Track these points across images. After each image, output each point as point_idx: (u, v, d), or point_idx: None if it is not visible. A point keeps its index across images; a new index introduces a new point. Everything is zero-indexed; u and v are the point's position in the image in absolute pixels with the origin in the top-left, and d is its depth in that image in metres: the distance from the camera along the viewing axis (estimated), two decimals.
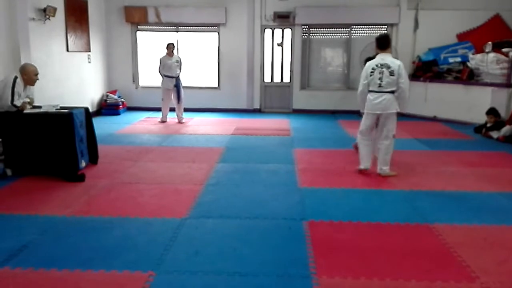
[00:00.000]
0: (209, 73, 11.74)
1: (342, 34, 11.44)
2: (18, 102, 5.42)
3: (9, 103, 5.34)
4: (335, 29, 11.42)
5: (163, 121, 9.82)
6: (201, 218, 4.22)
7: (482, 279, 3.08)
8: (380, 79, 5.34)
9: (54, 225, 4.01)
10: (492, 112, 8.50)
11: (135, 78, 11.72)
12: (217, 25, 11.32)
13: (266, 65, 11.61)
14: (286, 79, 11.67)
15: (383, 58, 5.41)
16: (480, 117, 8.77)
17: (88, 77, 10.31)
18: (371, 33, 11.11)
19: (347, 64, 11.52)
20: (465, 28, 10.74)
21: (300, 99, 11.59)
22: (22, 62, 6.70)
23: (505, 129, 7.92)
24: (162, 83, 9.70)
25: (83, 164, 5.75)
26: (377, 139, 5.70)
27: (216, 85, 11.73)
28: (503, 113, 8.59)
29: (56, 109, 5.65)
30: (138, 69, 11.75)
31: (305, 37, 11.42)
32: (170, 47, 9.59)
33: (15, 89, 5.39)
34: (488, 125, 8.45)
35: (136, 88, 11.73)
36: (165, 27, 11.45)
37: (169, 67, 9.52)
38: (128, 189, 5.05)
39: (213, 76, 11.72)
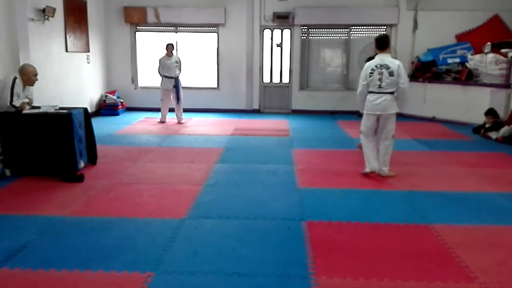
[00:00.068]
0: (208, 73, 11.75)
1: (341, 35, 11.45)
2: (17, 103, 5.42)
3: (8, 103, 5.34)
4: (334, 29, 11.43)
5: (162, 122, 9.82)
6: (200, 218, 4.22)
7: (481, 279, 3.08)
8: (380, 80, 5.32)
9: (53, 225, 4.00)
10: (490, 112, 8.50)
11: (134, 79, 11.72)
12: (216, 25, 11.32)
13: (265, 65, 11.62)
14: (285, 79, 11.68)
15: (383, 58, 5.39)
16: (479, 118, 8.78)
17: (87, 78, 10.30)
18: (370, 33, 11.13)
19: (346, 64, 11.53)
20: (464, 29, 10.77)
21: (299, 100, 11.60)
22: (21, 63, 6.70)
23: (504, 130, 7.93)
24: (161, 84, 9.70)
25: (82, 164, 5.75)
26: (377, 139, 5.68)
27: (215, 86, 11.73)
28: (501, 113, 8.60)
29: (55, 110, 5.65)
30: (137, 69, 11.75)
31: (304, 37, 11.43)
32: (170, 47, 9.59)
33: (14, 90, 5.40)
34: (487, 125, 8.45)
35: (135, 88, 11.73)
36: (164, 27, 11.45)
37: (168, 67, 9.52)
38: (127, 190, 5.05)
39: (212, 77, 11.72)
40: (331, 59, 11.83)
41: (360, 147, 6.00)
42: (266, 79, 11.69)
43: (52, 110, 5.61)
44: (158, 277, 3.09)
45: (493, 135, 8.14)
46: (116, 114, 10.81)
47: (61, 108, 5.77)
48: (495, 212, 4.45)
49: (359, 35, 11.33)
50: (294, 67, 11.48)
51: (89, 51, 10.27)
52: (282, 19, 11.08)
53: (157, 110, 10.15)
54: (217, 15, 11.11)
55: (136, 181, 5.38)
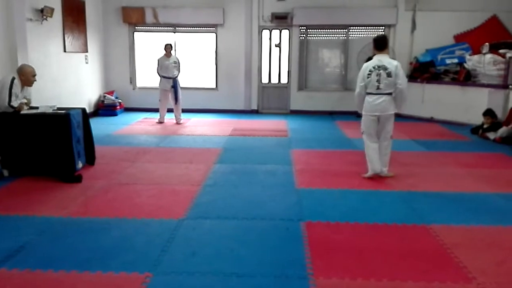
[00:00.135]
0: (207, 74, 11.74)
1: (340, 35, 11.45)
2: (15, 103, 5.41)
3: (6, 104, 5.33)
4: (333, 30, 11.43)
5: (160, 122, 9.81)
6: (198, 219, 4.21)
7: (479, 280, 3.09)
8: (378, 81, 5.30)
9: (51, 226, 4.00)
10: (488, 113, 8.52)
11: (132, 79, 11.71)
12: (215, 25, 11.32)
13: (263, 66, 11.62)
14: (284, 80, 11.68)
15: (380, 59, 5.37)
16: (477, 118, 8.80)
17: (85, 78, 10.29)
18: (368, 34, 11.13)
19: (345, 65, 11.53)
20: (462, 29, 10.78)
21: (298, 100, 11.60)
22: (19, 63, 6.71)
23: (502, 130, 7.94)
24: (159, 84, 9.70)
25: (80, 165, 5.74)
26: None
27: (214, 86, 11.73)
28: (499, 114, 8.61)
29: (53, 110, 5.64)
30: (136, 70, 11.74)
31: (303, 38, 11.43)
32: (168, 47, 9.58)
33: (13, 90, 5.38)
34: (485, 126, 8.47)
35: (133, 89, 11.72)
36: (162, 27, 11.45)
37: (166, 67, 9.51)
38: (125, 190, 5.05)
39: (211, 77, 11.72)
40: (330, 59, 11.83)
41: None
42: (265, 80, 11.69)
43: (50, 111, 5.60)
44: (156, 278, 3.08)
45: (491, 135, 8.15)
46: (114, 114, 10.80)
47: (59, 109, 5.76)
48: (493, 213, 4.46)
49: (358, 35, 11.33)
50: (293, 67, 11.48)
51: (87, 52, 10.26)
52: (281, 20, 11.08)
53: (156, 110, 10.14)
54: (216, 15, 11.10)
55: (134, 182, 5.37)
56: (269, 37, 11.48)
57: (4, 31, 7.05)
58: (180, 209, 4.44)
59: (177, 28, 11.44)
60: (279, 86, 11.71)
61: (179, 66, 9.70)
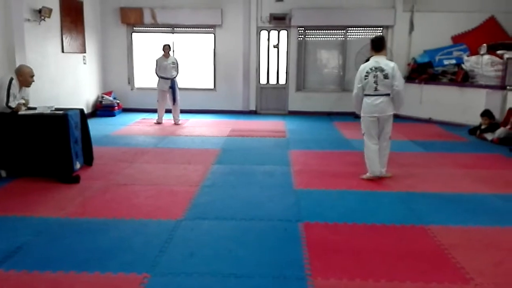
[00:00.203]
0: (205, 74, 11.74)
1: (338, 36, 11.47)
2: (13, 104, 5.40)
3: (4, 104, 5.32)
4: (331, 31, 11.45)
5: (158, 123, 9.81)
6: (196, 219, 4.21)
7: (477, 281, 3.09)
8: (375, 82, 5.29)
9: (48, 226, 3.99)
10: (486, 114, 8.53)
11: (130, 80, 11.70)
12: (213, 26, 11.32)
13: (262, 66, 11.62)
14: (282, 80, 11.68)
15: (377, 60, 5.36)
16: (475, 119, 8.81)
17: (84, 79, 10.28)
18: (366, 35, 11.14)
19: (343, 66, 11.54)
20: (460, 30, 10.80)
21: (296, 101, 11.61)
22: (17, 63, 6.70)
23: (500, 131, 7.95)
24: (157, 85, 9.70)
25: (78, 165, 5.73)
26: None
27: (212, 87, 11.73)
28: (497, 115, 8.63)
29: (51, 111, 5.63)
30: (134, 70, 11.74)
31: (301, 39, 11.44)
32: (166, 48, 9.58)
33: (11, 91, 5.38)
34: (483, 127, 8.48)
35: (131, 89, 11.72)
36: (161, 28, 11.44)
37: (165, 68, 9.51)
38: (123, 191, 5.04)
39: (209, 78, 11.71)
40: (328, 60, 11.84)
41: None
42: (263, 80, 11.69)
43: (48, 111, 5.60)
44: (154, 279, 3.08)
45: (489, 136, 8.17)
46: (113, 115, 10.79)
47: (57, 109, 5.75)
48: (491, 214, 4.46)
49: (356, 36, 11.35)
50: (291, 68, 11.49)
51: (85, 52, 10.25)
52: (279, 21, 11.09)
53: (154, 111, 10.13)
54: (214, 16, 11.10)
55: (132, 182, 5.36)
56: (267, 38, 11.49)
57: (2, 32, 7.04)
58: (178, 209, 4.44)
59: (175, 28, 11.44)
60: (277, 87, 11.71)
61: (177, 66, 9.70)
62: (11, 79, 5.43)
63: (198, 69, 11.75)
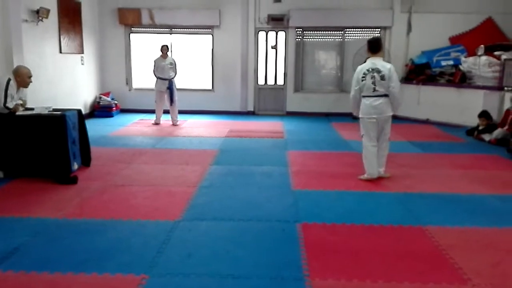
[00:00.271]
0: (203, 75, 11.74)
1: (336, 37, 11.49)
2: (10, 104, 5.39)
3: (2, 105, 5.31)
4: (329, 32, 11.47)
5: (156, 123, 9.80)
6: (194, 220, 4.21)
7: (474, 281, 3.10)
8: (373, 83, 5.28)
9: (46, 227, 3.98)
10: (484, 115, 8.55)
11: (128, 80, 11.70)
12: (211, 27, 11.32)
13: (260, 67, 11.63)
14: (280, 81, 11.69)
15: (374, 62, 5.36)
16: (472, 120, 8.83)
17: (81, 79, 10.27)
18: (364, 36, 11.16)
19: (341, 66, 11.56)
20: (457, 31, 10.83)
21: (294, 102, 11.62)
22: (15, 64, 6.69)
23: (497, 132, 7.97)
24: (155, 85, 9.69)
25: (76, 166, 5.72)
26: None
27: (210, 87, 11.73)
28: (495, 116, 8.65)
29: (48, 111, 5.62)
30: (132, 71, 11.73)
31: (299, 39, 11.46)
32: (164, 49, 9.58)
33: (8, 91, 5.37)
34: (480, 127, 8.50)
35: (129, 90, 11.71)
36: (159, 29, 11.44)
37: (162, 69, 9.51)
38: (121, 191, 5.03)
39: (207, 78, 11.71)
40: (326, 61, 11.87)
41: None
42: (261, 81, 11.70)
43: (46, 112, 5.58)
44: (152, 279, 3.07)
45: (487, 137, 8.18)
46: (110, 115, 10.78)
47: (54, 110, 5.74)
48: (489, 214, 4.47)
49: (353, 37, 11.38)
50: (289, 69, 11.50)
51: (83, 53, 10.24)
52: (277, 21, 11.10)
53: (152, 111, 10.13)
54: (212, 17, 11.11)
55: (130, 183, 5.36)
56: (265, 38, 11.50)
57: None
58: (176, 210, 4.44)
59: (173, 29, 11.44)
60: (275, 88, 11.72)
61: (175, 67, 9.70)
62: (9, 80, 5.42)
63: (196, 70, 11.75)
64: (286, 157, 6.85)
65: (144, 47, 11.57)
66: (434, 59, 10.52)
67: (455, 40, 10.78)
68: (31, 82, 5.73)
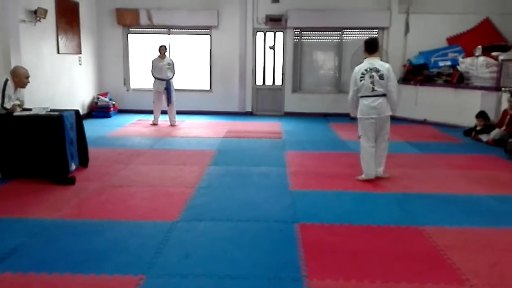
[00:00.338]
0: (201, 75, 11.74)
1: (334, 38, 11.50)
2: (8, 105, 5.38)
3: None
4: (327, 32, 11.48)
5: (154, 124, 9.79)
6: (192, 221, 4.21)
7: (472, 282, 3.10)
8: (372, 83, 5.28)
9: (44, 228, 3.97)
10: (481, 115, 8.57)
11: (126, 81, 11.68)
12: (209, 27, 11.32)
13: (258, 68, 11.64)
14: (278, 82, 11.70)
15: (372, 62, 5.36)
16: (470, 120, 8.85)
17: (79, 80, 10.25)
18: (362, 36, 11.18)
19: (339, 67, 11.58)
20: (455, 32, 10.85)
21: (292, 102, 11.62)
22: (13, 64, 6.67)
23: (495, 132, 7.99)
24: (153, 86, 9.68)
25: (74, 167, 5.71)
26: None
27: (208, 88, 11.73)
28: (492, 116, 8.67)
29: (46, 112, 5.60)
30: (130, 71, 11.72)
31: (297, 40, 11.46)
32: (162, 49, 9.57)
33: (6, 92, 5.36)
34: (478, 128, 8.52)
35: (127, 90, 11.69)
36: (157, 29, 11.43)
37: (160, 69, 9.50)
38: (119, 192, 5.03)
39: (205, 79, 11.71)
40: (324, 61, 11.88)
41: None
42: (259, 82, 11.71)
43: (43, 112, 5.57)
44: (150, 280, 3.07)
45: (484, 137, 8.20)
46: (108, 116, 10.76)
47: (52, 110, 5.72)
48: (486, 215, 4.48)
49: (351, 38, 11.39)
50: (287, 69, 11.50)
51: (81, 53, 10.22)
52: (275, 22, 11.10)
53: (150, 112, 10.11)
54: (210, 17, 11.11)
55: (128, 184, 5.35)
56: (263, 39, 11.50)
57: None
58: (174, 211, 4.43)
59: (171, 30, 11.43)
60: (273, 88, 11.73)
61: (173, 67, 9.69)
62: (6, 80, 5.41)
63: (194, 70, 11.74)
64: (284, 157, 6.85)
65: (142, 47, 11.56)
66: (432, 59, 10.54)
67: (452, 41, 10.80)
68: (28, 82, 5.72)
